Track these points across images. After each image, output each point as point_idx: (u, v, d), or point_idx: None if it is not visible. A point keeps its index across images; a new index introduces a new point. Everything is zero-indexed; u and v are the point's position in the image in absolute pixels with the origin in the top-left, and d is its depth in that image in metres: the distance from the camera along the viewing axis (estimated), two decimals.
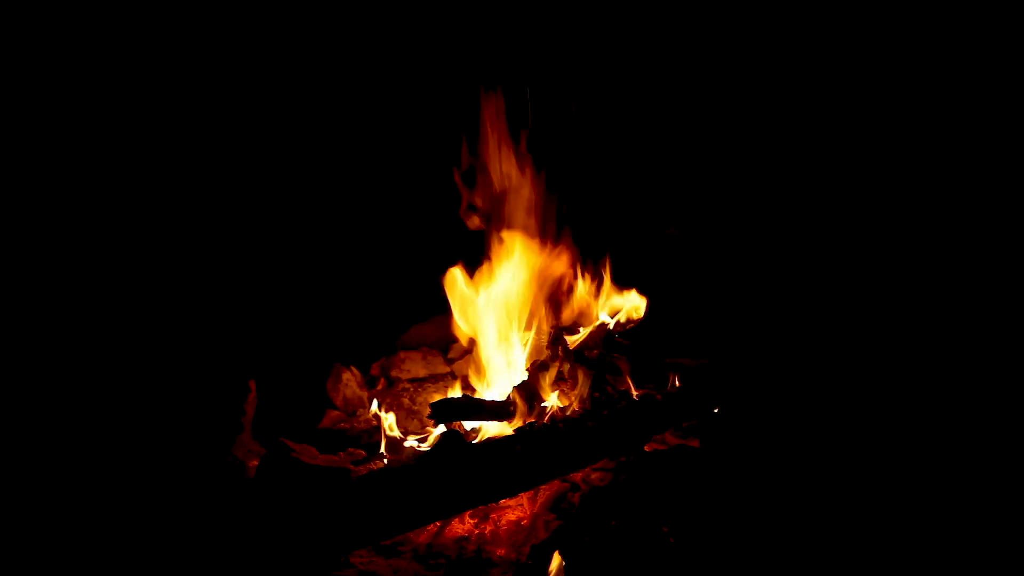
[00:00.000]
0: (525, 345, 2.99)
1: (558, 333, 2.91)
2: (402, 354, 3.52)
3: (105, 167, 3.59)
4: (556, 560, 2.09)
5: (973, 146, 3.65)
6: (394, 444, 2.66)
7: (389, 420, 2.76)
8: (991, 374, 2.93)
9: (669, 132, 4.07)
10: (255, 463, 2.60)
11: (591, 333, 3.01)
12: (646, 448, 2.61)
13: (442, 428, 2.62)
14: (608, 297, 3.14)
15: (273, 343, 3.51)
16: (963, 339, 3.15)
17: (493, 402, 2.72)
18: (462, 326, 3.04)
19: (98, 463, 2.53)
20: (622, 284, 3.15)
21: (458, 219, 3.21)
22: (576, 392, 2.73)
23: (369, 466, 2.67)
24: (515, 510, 2.47)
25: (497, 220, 3.14)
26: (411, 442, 2.71)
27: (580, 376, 2.74)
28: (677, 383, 2.82)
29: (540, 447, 2.38)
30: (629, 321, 3.05)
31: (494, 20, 3.76)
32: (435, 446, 2.44)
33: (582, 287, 3.14)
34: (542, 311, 3.05)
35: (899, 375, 2.99)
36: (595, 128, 4.04)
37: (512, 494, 2.40)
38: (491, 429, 2.71)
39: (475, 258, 3.14)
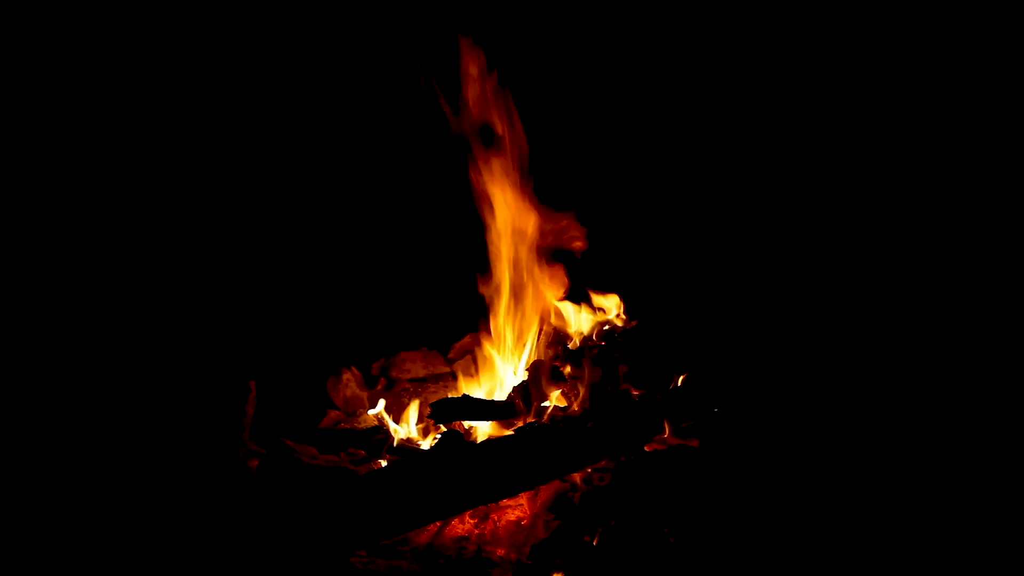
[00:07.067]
0: (525, 345, 3.00)
1: (558, 333, 2.92)
2: (402, 354, 3.52)
3: (107, 168, 3.60)
4: None
5: (968, 145, 3.66)
6: (403, 445, 2.67)
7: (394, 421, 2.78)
8: (989, 373, 2.93)
9: (667, 131, 4.07)
10: (255, 463, 2.61)
11: (591, 333, 3.02)
12: (646, 448, 2.61)
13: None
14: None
15: (273, 344, 3.51)
16: (962, 337, 3.15)
17: (494, 402, 2.73)
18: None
19: (100, 464, 2.53)
20: (620, 284, 3.15)
21: (457, 221, 3.20)
22: (576, 392, 2.73)
23: (369, 466, 2.67)
24: (515, 510, 2.47)
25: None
26: (410, 431, 2.72)
27: (580, 376, 2.74)
28: (676, 383, 2.82)
29: (540, 447, 2.38)
30: (629, 321, 3.05)
31: (493, 19, 3.75)
32: (435, 446, 2.44)
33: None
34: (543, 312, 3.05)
35: (898, 374, 2.99)
36: (590, 128, 4.04)
37: (512, 494, 2.40)
38: (490, 429, 2.72)
39: (475, 260, 3.14)
